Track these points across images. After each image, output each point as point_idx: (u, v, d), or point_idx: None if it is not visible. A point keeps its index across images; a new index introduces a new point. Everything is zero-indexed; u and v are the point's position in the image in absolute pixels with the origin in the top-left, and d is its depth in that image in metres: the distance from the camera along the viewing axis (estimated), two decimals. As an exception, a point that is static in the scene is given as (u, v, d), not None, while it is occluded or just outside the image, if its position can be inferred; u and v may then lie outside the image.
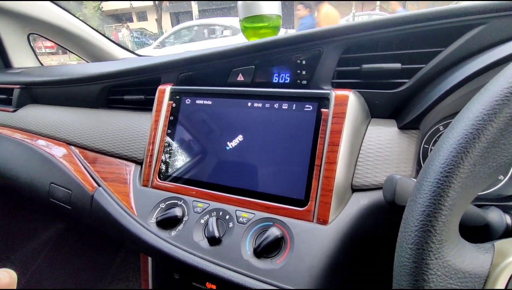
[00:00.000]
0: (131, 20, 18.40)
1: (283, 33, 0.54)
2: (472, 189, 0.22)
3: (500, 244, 0.23)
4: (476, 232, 0.33)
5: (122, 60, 1.03)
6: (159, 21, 14.37)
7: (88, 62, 1.12)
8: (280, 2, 0.62)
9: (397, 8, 3.93)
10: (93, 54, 1.10)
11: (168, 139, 0.53)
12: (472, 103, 0.23)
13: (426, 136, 0.48)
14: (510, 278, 0.20)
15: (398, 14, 0.43)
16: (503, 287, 0.20)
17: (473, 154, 0.21)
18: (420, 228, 0.21)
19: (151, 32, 14.20)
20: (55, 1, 1.01)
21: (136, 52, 1.21)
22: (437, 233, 0.21)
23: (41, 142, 0.71)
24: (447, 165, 0.21)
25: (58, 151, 0.68)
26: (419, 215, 0.22)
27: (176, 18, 17.67)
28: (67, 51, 1.12)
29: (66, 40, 1.08)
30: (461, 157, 0.21)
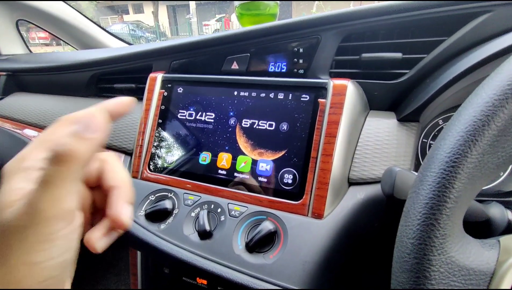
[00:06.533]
0: (127, 12, 18.12)
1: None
2: (480, 180, 0.20)
3: (505, 240, 0.21)
4: (477, 228, 0.31)
5: (113, 48, 0.99)
6: (155, 14, 14.18)
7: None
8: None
9: None
10: (86, 43, 1.06)
11: (159, 129, 0.51)
12: (482, 88, 0.21)
13: (425, 130, 0.47)
14: (517, 276, 0.19)
15: (400, 1, 0.41)
16: (510, 286, 0.19)
17: (482, 142, 0.19)
18: (423, 222, 0.20)
19: (147, 25, 14.02)
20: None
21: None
22: (440, 227, 0.19)
23: (28, 132, 0.69)
24: (454, 154, 0.20)
25: (45, 141, 0.65)
26: (422, 208, 0.20)
27: (173, 11, 17.44)
28: (61, 43, 1.08)
29: (57, 28, 1.04)
30: (468, 146, 0.19)
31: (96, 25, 1.06)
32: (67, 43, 1.08)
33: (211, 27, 12.76)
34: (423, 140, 0.47)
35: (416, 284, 0.20)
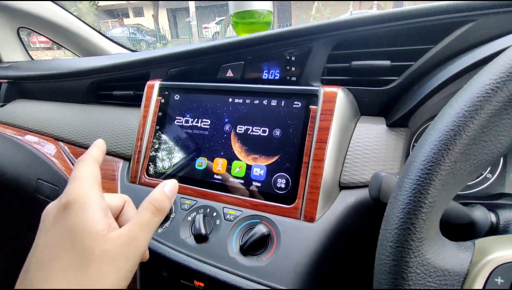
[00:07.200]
0: (127, 16, 18.21)
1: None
2: (453, 186, 0.22)
3: (480, 242, 0.23)
4: (461, 230, 0.33)
5: (112, 55, 1.01)
6: (155, 17, 14.25)
7: (80, 57, 1.10)
8: (272, -3, 0.61)
9: None
10: (86, 49, 1.08)
11: (156, 135, 0.52)
12: (454, 99, 0.22)
13: (416, 135, 0.48)
14: (488, 276, 0.20)
15: (389, 10, 0.42)
16: (482, 286, 0.20)
17: (453, 151, 0.21)
18: (400, 226, 0.21)
19: (148, 28, 14.08)
20: (45, -5, 0.99)
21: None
22: (417, 230, 0.21)
23: (29, 138, 0.70)
24: (428, 162, 0.21)
25: (45, 147, 0.67)
26: (399, 213, 0.21)
27: (173, 15, 17.53)
28: (62, 47, 1.10)
29: (57, 35, 1.06)
30: (441, 154, 0.21)
31: (96, 31, 1.08)
32: (69, 50, 1.10)
33: (211, 30, 12.82)
34: (414, 144, 0.48)
35: (394, 285, 0.21)
